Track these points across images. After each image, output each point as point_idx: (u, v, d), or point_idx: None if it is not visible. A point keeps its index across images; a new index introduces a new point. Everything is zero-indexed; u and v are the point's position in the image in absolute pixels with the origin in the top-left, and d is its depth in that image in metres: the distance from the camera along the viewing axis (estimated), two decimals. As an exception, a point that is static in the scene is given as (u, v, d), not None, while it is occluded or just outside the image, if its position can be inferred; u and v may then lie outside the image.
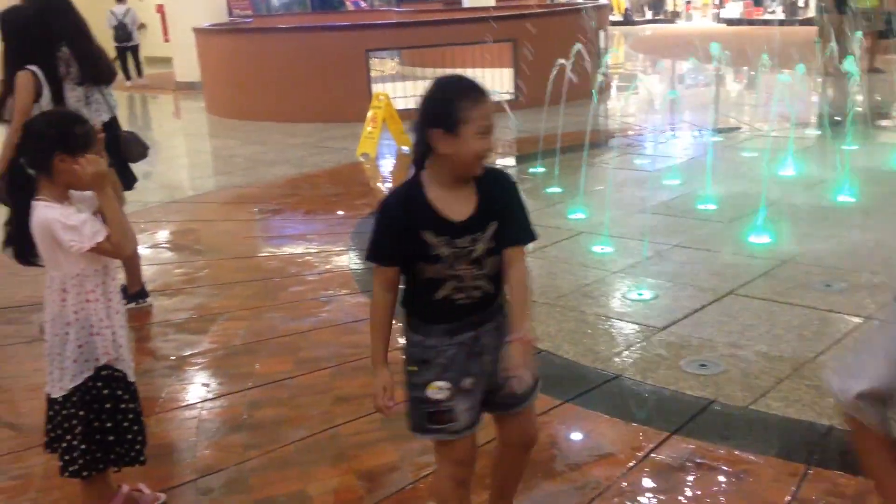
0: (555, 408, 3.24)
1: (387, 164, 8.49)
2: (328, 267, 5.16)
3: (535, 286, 4.54)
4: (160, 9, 17.79)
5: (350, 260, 5.28)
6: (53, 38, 4.13)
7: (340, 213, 6.49)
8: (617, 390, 3.40)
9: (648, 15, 28.18)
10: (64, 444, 2.50)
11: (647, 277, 4.57)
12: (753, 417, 3.11)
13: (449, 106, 1.99)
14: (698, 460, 2.84)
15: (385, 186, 7.80)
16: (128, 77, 16.27)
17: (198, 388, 3.59)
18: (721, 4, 25.88)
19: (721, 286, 4.38)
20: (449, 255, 2.05)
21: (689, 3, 27.70)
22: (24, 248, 2.48)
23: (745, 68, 13.98)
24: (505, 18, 12.47)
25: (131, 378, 2.56)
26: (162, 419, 3.33)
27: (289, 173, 8.07)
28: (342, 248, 5.50)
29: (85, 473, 2.50)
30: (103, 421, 2.50)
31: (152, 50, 18.36)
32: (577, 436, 3.10)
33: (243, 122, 11.22)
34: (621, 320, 4.08)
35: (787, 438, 2.97)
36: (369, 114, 8.75)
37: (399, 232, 2.06)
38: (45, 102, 4.00)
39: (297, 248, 5.57)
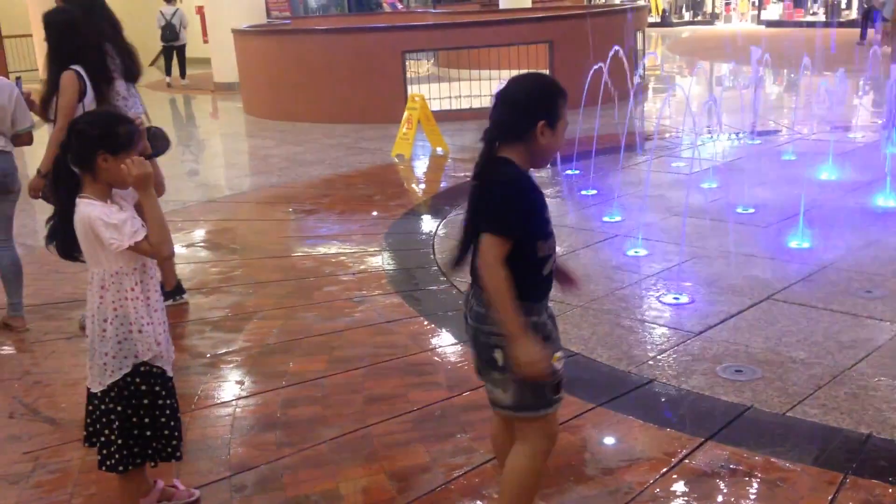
0: (588, 411, 3.23)
1: (421, 166, 8.52)
2: (362, 267, 5.18)
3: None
4: (200, 10, 18.05)
5: (384, 261, 5.30)
6: (100, 37, 4.22)
7: (375, 213, 6.52)
8: (651, 395, 3.37)
9: (686, 16, 27.89)
10: (102, 439, 2.54)
11: (682, 281, 4.52)
12: (790, 424, 3.06)
13: (556, 102, 2.19)
14: (733, 467, 2.81)
15: (420, 188, 7.82)
16: (169, 74, 16.65)
17: (232, 386, 3.63)
18: (761, 6, 25.51)
19: (759, 291, 4.32)
20: (552, 230, 2.27)
21: (728, 4, 27.34)
22: (66, 244, 2.55)
23: (786, 71, 13.78)
24: (541, 20, 12.45)
25: (169, 374, 2.61)
26: (197, 416, 3.37)
27: (324, 173, 8.13)
28: (376, 249, 5.53)
29: (121, 468, 2.54)
30: (141, 416, 2.54)
31: (191, 51, 18.61)
32: (609, 440, 3.08)
33: (280, 123, 11.33)
34: (656, 324, 4.04)
35: (825, 446, 2.92)
36: (405, 115, 8.78)
37: (536, 209, 2.20)
38: (89, 101, 4.09)
39: (332, 249, 5.61)
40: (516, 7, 18.29)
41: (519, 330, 2.12)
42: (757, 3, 25.87)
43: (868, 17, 17.31)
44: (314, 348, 3.98)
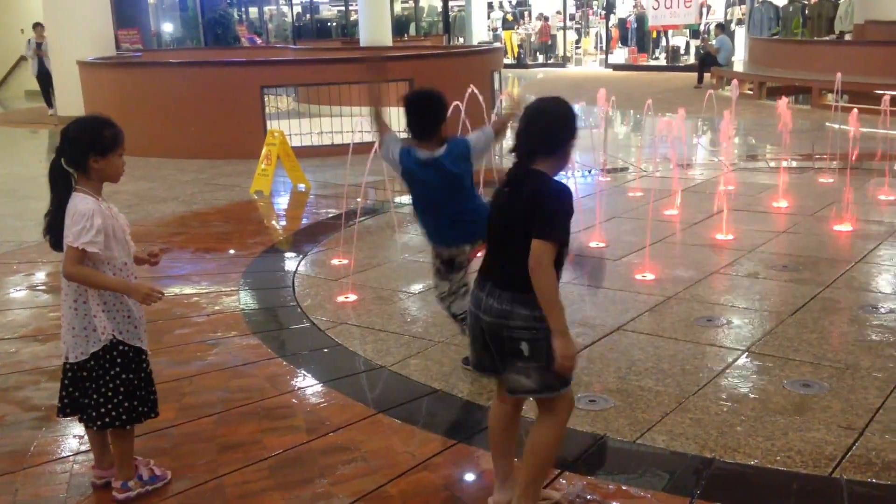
0: (448, 448, 3.21)
1: (281, 202, 8.36)
2: (217, 308, 4.99)
3: (427, 326, 4.54)
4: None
5: (241, 300, 5.13)
6: None
7: (232, 252, 6.32)
8: (509, 429, 3.39)
9: (540, 59, 29.10)
10: (101, 399, 2.80)
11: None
12: (641, 452, 3.17)
13: (577, 122, 2.58)
14: (589, 497, 2.86)
15: (280, 225, 7.67)
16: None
17: (70, 441, 3.37)
18: (608, 50, 26.99)
19: (609, 322, 4.48)
20: None
21: (579, 47, 28.68)
22: (59, 237, 2.81)
23: (632, 111, 14.59)
24: (402, 58, 12.63)
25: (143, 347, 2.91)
26: (30, 475, 3.10)
27: (177, 210, 7.83)
28: (232, 289, 5.34)
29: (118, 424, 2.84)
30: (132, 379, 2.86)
31: (32, 82, 17.60)
32: (470, 476, 3.07)
33: (131, 158, 10.69)
34: (514, 358, 4.10)
35: (673, 472, 3.04)
36: (264, 151, 8.62)
37: (570, 219, 2.49)
38: None
39: (185, 289, 5.37)
40: (377, 45, 18.50)
41: (566, 328, 2.44)
42: (604, 48, 27.36)
43: (704, 62, 18.65)
44: (163, 395, 3.69)
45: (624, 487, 2.91)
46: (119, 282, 2.82)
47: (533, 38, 29.30)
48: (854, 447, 3.13)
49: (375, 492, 2.94)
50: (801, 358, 3.95)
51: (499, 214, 2.57)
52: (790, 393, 3.61)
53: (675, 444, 3.19)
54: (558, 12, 28.85)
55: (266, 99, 11.05)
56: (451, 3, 30.04)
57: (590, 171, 9.00)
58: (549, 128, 2.50)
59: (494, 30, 31.38)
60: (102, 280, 2.79)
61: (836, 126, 9.55)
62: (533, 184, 2.47)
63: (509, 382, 2.55)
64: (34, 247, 6.48)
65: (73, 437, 3.40)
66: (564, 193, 2.46)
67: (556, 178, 2.53)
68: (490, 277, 2.56)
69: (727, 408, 3.49)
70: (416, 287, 5.19)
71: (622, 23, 27.93)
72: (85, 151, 2.76)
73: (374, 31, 20.24)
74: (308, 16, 32.45)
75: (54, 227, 2.82)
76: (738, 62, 20.72)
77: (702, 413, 3.44)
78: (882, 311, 4.59)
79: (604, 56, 26.88)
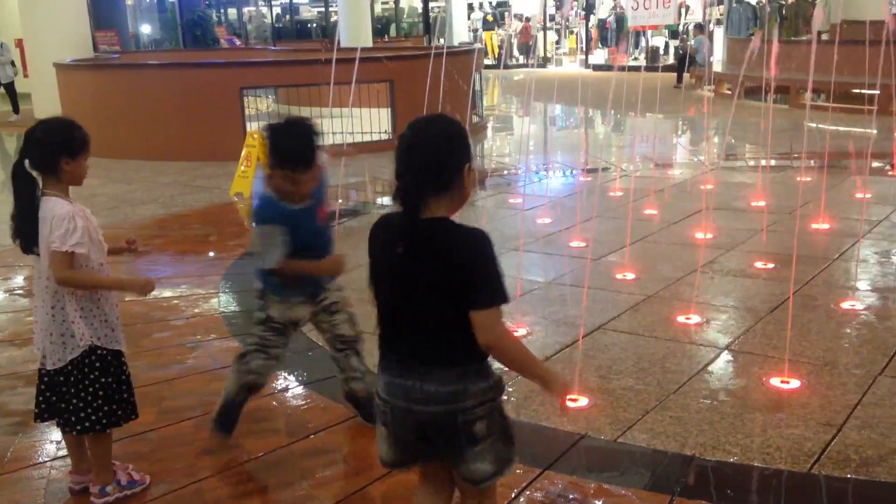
0: (429, 450, 3.20)
1: (261, 204, 8.30)
2: (197, 311, 4.95)
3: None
4: (19, 43, 16.95)
5: (221, 303, 5.09)
6: None
7: (212, 254, 6.28)
8: (491, 429, 3.39)
9: (521, 59, 29.15)
10: (80, 404, 2.76)
11: (518, 314, 4.63)
12: (621, 450, 3.18)
13: (468, 140, 2.07)
14: (570, 496, 2.87)
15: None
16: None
17: (48, 446, 3.33)
18: (588, 50, 27.11)
19: (590, 321, 4.49)
20: None
21: (559, 48, 28.78)
22: (28, 240, 2.77)
23: (612, 111, 14.65)
24: (382, 59, 12.59)
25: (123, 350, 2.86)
26: (7, 481, 3.06)
27: (157, 213, 7.77)
28: (212, 291, 5.30)
29: (98, 427, 2.80)
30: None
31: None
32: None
33: (108, 161, 10.71)
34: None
35: (654, 470, 3.05)
36: (243, 152, 8.57)
37: None
38: None
39: (164, 292, 5.32)
40: (357, 46, 18.45)
41: (546, 368, 2.20)
42: (584, 48, 27.46)
43: (683, 62, 18.76)
44: (142, 399, 3.65)
45: (605, 486, 2.92)
46: (114, 279, 2.83)
47: (514, 39, 29.36)
48: (832, 443, 3.16)
49: (357, 494, 2.93)
50: (780, 355, 3.97)
51: (401, 282, 2.04)
52: (769, 390, 3.63)
53: (655, 443, 3.21)
54: (524, 17, 28.91)
55: (245, 100, 10.99)
56: (431, 4, 30.02)
57: (571, 171, 9.02)
58: (435, 155, 1.97)
59: (475, 31, 31.40)
60: (98, 280, 2.77)
61: (814, 125, 9.64)
62: (443, 241, 1.97)
63: (467, 475, 2.09)
64: (10, 250, 6.40)
65: (51, 442, 3.36)
66: (486, 242, 1.96)
67: (459, 220, 2.03)
68: (413, 356, 2.04)
69: (707, 405, 3.51)
70: (398, 288, 5.18)
71: (602, 23, 28.05)
72: (56, 154, 2.71)
73: (355, 32, 20.19)
74: (288, 17, 32.32)
75: (24, 231, 2.77)
76: (717, 62, 20.86)
77: (682, 411, 3.46)
78: (860, 308, 4.63)
79: (584, 56, 26.97)
